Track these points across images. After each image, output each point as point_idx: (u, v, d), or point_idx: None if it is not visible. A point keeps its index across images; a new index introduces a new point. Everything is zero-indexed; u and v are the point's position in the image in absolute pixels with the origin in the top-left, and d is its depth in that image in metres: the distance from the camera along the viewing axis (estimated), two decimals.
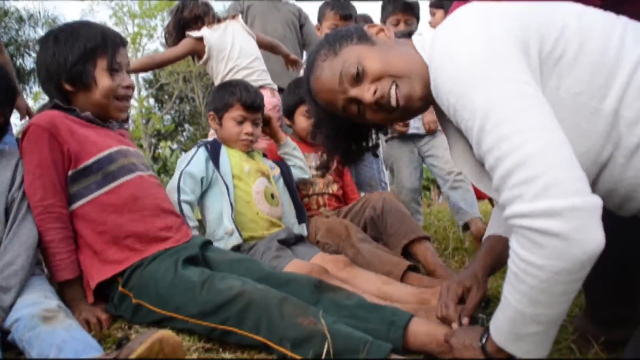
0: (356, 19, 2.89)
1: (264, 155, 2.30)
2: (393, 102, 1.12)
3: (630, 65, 0.89)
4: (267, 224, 2.00)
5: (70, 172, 1.48)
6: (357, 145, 1.37)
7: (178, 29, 2.72)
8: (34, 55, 15.40)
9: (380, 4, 2.86)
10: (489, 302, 1.47)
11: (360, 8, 3.02)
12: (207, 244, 1.61)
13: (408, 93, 1.12)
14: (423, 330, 1.22)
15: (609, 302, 1.28)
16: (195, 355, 1.22)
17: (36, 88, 15.68)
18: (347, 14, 2.82)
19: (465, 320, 1.16)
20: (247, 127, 2.08)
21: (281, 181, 2.22)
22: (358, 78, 1.14)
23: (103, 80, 1.54)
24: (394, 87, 1.12)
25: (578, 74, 0.91)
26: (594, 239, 0.79)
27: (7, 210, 1.43)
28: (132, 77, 1.74)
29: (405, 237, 1.96)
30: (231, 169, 2.00)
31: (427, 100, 1.13)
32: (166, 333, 1.00)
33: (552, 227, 0.79)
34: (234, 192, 1.96)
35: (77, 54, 1.50)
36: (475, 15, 0.97)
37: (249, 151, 2.15)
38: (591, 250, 0.79)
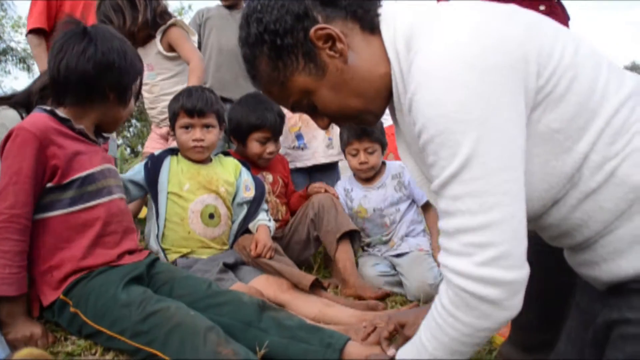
0: None
1: (247, 168, 2.26)
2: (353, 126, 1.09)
3: (610, 111, 0.87)
4: (199, 245, 2.01)
5: (48, 185, 1.45)
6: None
7: (150, 25, 2.62)
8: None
9: None
10: None
11: None
12: (155, 261, 1.63)
13: (361, 122, 1.09)
14: (358, 352, 1.29)
15: (533, 328, 1.36)
16: None
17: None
18: None
19: (391, 352, 1.21)
20: (195, 134, 2.06)
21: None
22: (311, 109, 1.06)
23: (131, 102, 1.66)
24: (348, 121, 1.07)
25: (562, 111, 0.87)
26: (518, 304, 0.85)
27: None
28: None
29: (338, 232, 2.07)
30: (167, 187, 2.01)
31: (384, 108, 1.07)
32: (22, 353, 0.98)
33: (490, 294, 0.83)
34: (165, 211, 1.97)
35: (137, 74, 1.63)
36: (472, 30, 0.85)
37: (204, 160, 2.13)
38: (515, 314, 0.86)
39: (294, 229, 2.29)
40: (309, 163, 2.83)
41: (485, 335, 0.89)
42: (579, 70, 0.87)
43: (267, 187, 2.43)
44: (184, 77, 2.68)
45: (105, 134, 1.70)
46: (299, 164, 2.83)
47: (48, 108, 1.54)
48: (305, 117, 2.73)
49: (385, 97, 1.00)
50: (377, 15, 1.00)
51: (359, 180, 2.45)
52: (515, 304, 0.85)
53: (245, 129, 2.34)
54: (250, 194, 2.20)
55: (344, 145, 2.37)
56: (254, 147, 2.36)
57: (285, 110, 2.54)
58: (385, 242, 2.38)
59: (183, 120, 2.07)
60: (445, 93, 0.82)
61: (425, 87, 0.84)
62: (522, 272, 0.84)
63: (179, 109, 2.07)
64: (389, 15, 1.00)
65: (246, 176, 2.24)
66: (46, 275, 1.44)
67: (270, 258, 1.97)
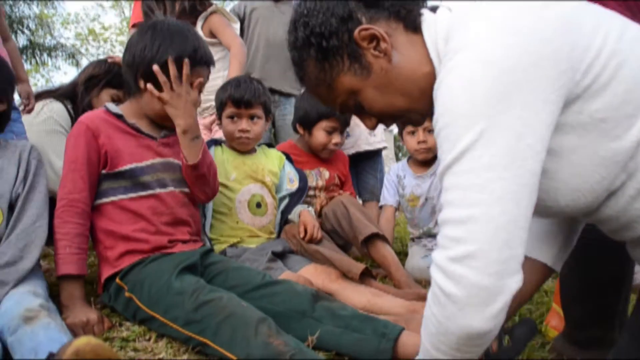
0: None
1: (290, 161, 2.26)
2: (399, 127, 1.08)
3: None
4: (247, 234, 2.01)
5: (103, 172, 1.55)
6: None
7: (189, 12, 2.64)
8: (27, 32, 15.23)
9: None
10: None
11: None
12: (209, 251, 1.65)
13: (408, 122, 1.10)
14: (412, 342, 1.26)
15: (587, 324, 1.32)
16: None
17: (28, 66, 15.49)
18: None
19: None
20: (241, 124, 2.05)
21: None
22: (358, 109, 1.07)
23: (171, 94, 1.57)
24: (394, 119, 1.08)
25: (608, 100, 0.84)
26: (481, 321, 0.79)
27: (12, 205, 1.45)
28: None
29: (361, 235, 2.00)
30: None
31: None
32: (80, 342, 0.98)
33: (453, 293, 0.80)
34: (213, 201, 1.96)
35: (162, 59, 1.53)
36: (497, 27, 0.84)
37: (249, 151, 2.13)
38: (475, 330, 0.80)
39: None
40: (352, 151, 2.81)
41: (456, 342, 0.83)
42: (625, 57, 0.84)
43: (322, 182, 2.41)
44: (226, 64, 2.69)
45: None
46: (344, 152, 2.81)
47: (105, 105, 1.63)
48: None
49: (430, 96, 0.97)
50: (420, 14, 1.00)
51: (413, 166, 2.40)
52: (477, 317, 0.79)
53: (314, 118, 2.32)
54: (294, 185, 2.20)
55: (402, 125, 2.31)
56: (320, 136, 2.35)
57: None
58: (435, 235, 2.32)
59: (230, 110, 2.07)
60: (459, 89, 0.82)
61: (445, 84, 0.85)
62: (493, 281, 0.78)
63: (227, 98, 2.06)
64: (430, 14, 1.00)
65: (289, 168, 2.24)
66: (103, 255, 1.54)
67: (320, 241, 1.95)
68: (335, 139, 2.35)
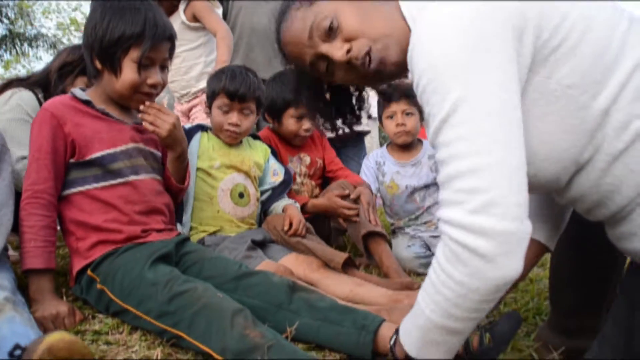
0: None
1: (274, 155, 2.23)
2: (373, 65, 1.03)
3: (631, 64, 0.85)
4: (228, 224, 1.97)
5: (71, 161, 1.48)
6: (337, 107, 1.31)
7: None
8: (6, 21, 14.91)
9: None
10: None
11: None
12: (185, 241, 1.60)
13: (382, 57, 1.04)
14: (393, 333, 1.23)
15: (573, 312, 1.31)
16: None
17: (7, 56, 15.21)
18: None
19: None
20: (232, 117, 2.01)
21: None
22: (330, 33, 1.06)
23: (127, 72, 1.49)
24: (367, 48, 1.03)
25: (574, 65, 0.85)
26: (515, 267, 0.80)
27: None
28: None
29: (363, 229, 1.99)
30: (197, 162, 1.97)
31: (402, 67, 1.04)
32: (53, 338, 0.95)
33: (481, 247, 0.79)
34: (194, 189, 1.93)
35: (113, 37, 1.46)
36: None
37: (235, 143, 2.10)
38: (510, 277, 0.80)
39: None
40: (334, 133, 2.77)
41: (478, 299, 0.83)
42: (591, 22, 0.86)
43: (304, 169, 2.39)
44: (207, 49, 2.64)
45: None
46: (328, 134, 2.77)
47: (72, 91, 1.56)
48: None
49: (404, 49, 0.97)
50: None
51: (393, 152, 2.36)
52: (510, 264, 0.79)
53: (281, 106, 2.27)
54: (278, 178, 2.17)
55: (381, 109, 2.32)
56: (289, 124, 2.30)
57: None
58: (424, 223, 2.30)
59: (222, 101, 2.01)
60: (434, 44, 0.84)
61: (418, 43, 0.88)
62: (517, 225, 0.79)
63: (220, 89, 2.01)
64: None
65: (273, 161, 2.21)
66: (74, 247, 1.48)
67: (304, 236, 1.92)
68: (305, 125, 2.29)
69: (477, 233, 0.79)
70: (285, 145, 2.39)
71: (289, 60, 1.18)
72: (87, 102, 1.54)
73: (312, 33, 1.08)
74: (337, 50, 1.05)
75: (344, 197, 2.10)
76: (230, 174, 2.02)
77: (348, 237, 2.38)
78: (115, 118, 1.57)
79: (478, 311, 0.86)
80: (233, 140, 2.07)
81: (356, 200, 2.08)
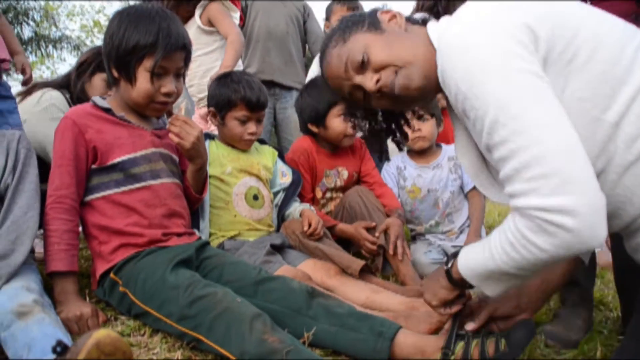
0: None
1: (281, 157, 2.24)
2: (396, 91, 1.12)
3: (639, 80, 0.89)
4: (246, 227, 1.98)
5: (93, 167, 1.53)
6: (387, 128, 1.39)
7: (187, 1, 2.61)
8: (32, 24, 15.22)
9: None
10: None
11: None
12: (205, 245, 1.62)
13: (406, 83, 1.12)
14: (410, 342, 1.24)
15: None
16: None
17: (33, 57, 15.50)
18: (355, 6, 2.86)
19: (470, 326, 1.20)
20: (251, 127, 2.02)
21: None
22: (363, 66, 1.16)
23: (142, 81, 1.53)
24: (393, 76, 1.13)
25: (586, 79, 0.91)
26: (600, 235, 0.84)
27: (1, 196, 1.42)
28: None
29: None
30: (209, 170, 1.95)
31: (432, 89, 1.14)
32: (100, 334, 0.98)
33: (567, 223, 0.83)
34: (209, 195, 1.93)
35: (128, 46, 1.49)
36: (491, 6, 0.97)
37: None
38: (594, 245, 0.85)
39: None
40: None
41: (557, 260, 0.89)
42: (601, 41, 0.91)
43: (340, 182, 2.35)
44: (224, 53, 2.65)
45: (164, 119, 1.71)
46: None
47: (93, 99, 1.60)
48: None
49: (433, 76, 1.07)
50: (426, 20, 1.19)
51: (413, 157, 2.37)
52: (593, 234, 0.84)
53: (324, 108, 2.21)
54: (286, 179, 2.17)
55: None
56: (336, 124, 2.23)
57: None
58: (444, 232, 2.30)
59: (241, 113, 1.99)
60: (465, 54, 0.93)
61: (448, 58, 0.96)
62: (593, 196, 0.84)
63: (239, 100, 1.98)
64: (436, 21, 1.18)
65: (281, 164, 2.22)
66: (97, 250, 1.51)
67: (321, 239, 1.92)
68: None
69: (561, 212, 0.83)
70: (323, 157, 2.34)
71: (334, 93, 1.28)
72: (107, 110, 1.58)
73: (347, 67, 1.18)
74: (368, 81, 1.15)
75: (371, 228, 2.06)
76: (243, 178, 2.03)
77: None
78: (134, 124, 1.61)
79: (547, 266, 0.92)
80: (249, 147, 2.09)
81: (385, 231, 2.04)
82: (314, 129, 2.31)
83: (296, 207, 2.14)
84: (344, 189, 2.36)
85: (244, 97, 1.97)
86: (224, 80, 2.07)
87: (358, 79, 1.17)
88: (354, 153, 2.44)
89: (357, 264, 1.77)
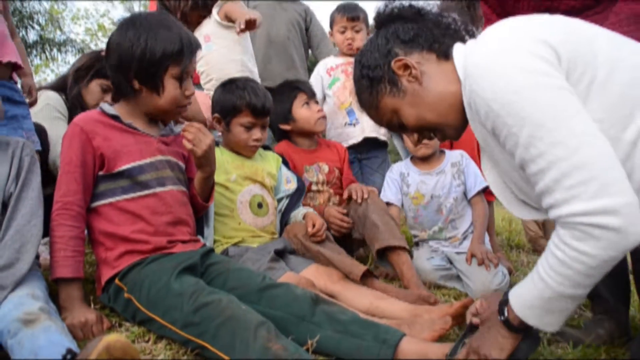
0: (365, 19, 2.91)
1: (285, 163, 2.25)
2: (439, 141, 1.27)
3: None
4: (250, 234, 1.98)
5: (100, 174, 1.53)
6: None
7: (201, 6, 2.59)
8: (37, 27, 15.31)
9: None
10: None
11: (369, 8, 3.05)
12: (210, 252, 1.63)
13: (442, 137, 1.27)
14: (414, 349, 1.24)
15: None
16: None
17: (37, 61, 15.60)
18: (355, 16, 2.87)
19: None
20: (256, 133, 2.03)
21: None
22: (401, 127, 1.28)
23: (170, 88, 1.56)
24: (431, 135, 1.27)
25: (604, 101, 0.95)
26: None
27: (5, 204, 1.42)
28: None
29: (379, 243, 1.97)
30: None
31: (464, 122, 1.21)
32: (111, 338, 0.99)
33: (611, 223, 0.87)
34: (213, 203, 1.93)
35: (154, 56, 1.51)
36: (512, 27, 1.03)
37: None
38: (638, 240, 0.89)
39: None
40: (360, 137, 2.81)
41: (609, 265, 0.92)
42: (618, 64, 0.96)
43: (322, 177, 2.40)
44: (242, 47, 2.64)
45: (174, 128, 1.71)
46: (352, 141, 2.81)
47: (100, 105, 1.61)
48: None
49: (460, 111, 1.16)
50: (451, 45, 1.21)
51: (417, 163, 2.38)
52: (636, 230, 0.88)
53: (289, 103, 2.40)
54: (291, 186, 2.18)
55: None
56: (302, 114, 2.36)
57: (335, 88, 2.88)
58: (448, 238, 2.30)
59: (247, 119, 2.01)
60: (493, 76, 0.98)
61: (477, 79, 1.02)
62: (629, 196, 0.89)
63: (245, 106, 1.99)
64: (462, 45, 1.21)
65: (285, 170, 2.22)
66: (103, 257, 1.52)
67: (323, 241, 1.94)
68: (316, 107, 2.42)
69: (605, 213, 0.88)
70: (301, 154, 2.42)
71: None
72: (114, 117, 1.59)
73: (389, 127, 1.33)
74: (410, 137, 1.31)
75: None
76: (247, 186, 2.03)
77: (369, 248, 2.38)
78: (142, 131, 1.61)
79: (601, 276, 0.94)
80: (254, 153, 2.10)
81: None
82: (287, 127, 2.41)
83: (299, 211, 2.15)
84: (330, 184, 2.42)
85: (249, 103, 1.98)
86: (229, 86, 2.09)
87: (400, 131, 1.33)
88: (330, 148, 2.53)
89: (359, 269, 1.77)
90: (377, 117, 1.31)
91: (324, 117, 2.46)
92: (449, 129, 1.22)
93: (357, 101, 1.35)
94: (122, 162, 1.54)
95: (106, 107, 1.61)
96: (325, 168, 2.43)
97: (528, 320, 1.04)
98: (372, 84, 1.26)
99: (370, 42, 1.30)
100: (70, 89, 2.24)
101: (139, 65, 1.51)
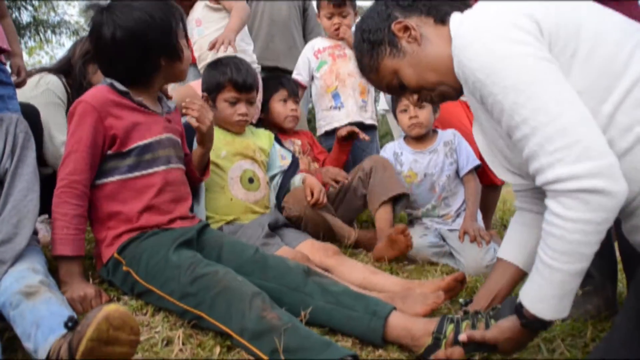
0: (352, 3, 2.89)
1: (277, 139, 2.30)
2: (436, 102, 1.38)
3: (635, 75, 0.96)
4: (242, 209, 2.01)
5: (109, 152, 1.53)
6: None
7: None
8: (30, 9, 15.10)
9: None
10: None
11: None
12: (205, 227, 1.66)
13: (441, 97, 1.30)
14: (401, 324, 1.27)
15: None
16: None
17: (32, 43, 15.41)
18: (340, 2, 2.83)
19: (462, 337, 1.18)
20: (241, 108, 2.07)
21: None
22: (401, 87, 1.31)
23: (184, 49, 1.63)
24: (429, 97, 1.29)
25: (585, 73, 0.98)
26: (625, 187, 0.92)
27: (1, 180, 1.44)
28: None
29: (383, 196, 2.12)
30: None
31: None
32: (110, 308, 1.01)
33: (597, 185, 0.90)
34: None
35: (169, 26, 1.55)
36: (499, 2, 1.07)
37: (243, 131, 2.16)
38: (625, 196, 0.92)
39: (346, 189, 2.31)
40: (344, 122, 2.81)
41: (603, 228, 0.94)
42: (601, 39, 0.99)
43: (298, 148, 2.53)
44: None
45: (170, 104, 1.72)
46: (336, 124, 2.81)
47: (109, 81, 1.58)
48: (342, 76, 2.82)
49: (453, 73, 1.17)
50: (448, 13, 1.26)
51: (410, 143, 2.40)
52: (620, 188, 0.91)
53: (267, 97, 2.58)
54: (286, 162, 2.23)
55: (395, 104, 2.36)
56: (277, 107, 2.53)
57: (322, 72, 2.86)
58: (441, 216, 2.34)
59: (230, 94, 2.06)
60: (477, 47, 1.03)
61: (462, 50, 1.07)
62: (610, 157, 0.92)
63: (227, 82, 2.04)
64: (458, 14, 1.24)
65: (279, 147, 2.27)
66: (103, 234, 1.53)
67: (325, 205, 2.05)
68: (291, 106, 2.54)
69: (590, 176, 0.90)
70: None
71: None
72: (124, 93, 1.57)
73: (388, 89, 1.35)
74: (410, 98, 1.32)
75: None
76: (237, 162, 2.06)
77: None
78: (150, 109, 1.62)
79: (598, 242, 0.95)
80: (242, 128, 2.13)
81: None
82: (261, 115, 2.58)
83: (297, 176, 2.21)
84: (305, 152, 2.58)
85: (231, 78, 2.04)
86: (214, 64, 2.15)
87: (399, 93, 1.36)
88: (298, 133, 2.67)
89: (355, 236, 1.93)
90: (377, 80, 1.34)
91: (296, 117, 2.56)
92: (448, 88, 1.25)
93: (357, 67, 1.38)
94: (132, 141, 1.54)
95: (117, 83, 1.58)
96: (299, 142, 2.57)
97: (542, 313, 1.01)
98: (373, 46, 1.29)
99: (371, 9, 1.34)
100: (79, 73, 2.23)
101: (162, 39, 1.54)
